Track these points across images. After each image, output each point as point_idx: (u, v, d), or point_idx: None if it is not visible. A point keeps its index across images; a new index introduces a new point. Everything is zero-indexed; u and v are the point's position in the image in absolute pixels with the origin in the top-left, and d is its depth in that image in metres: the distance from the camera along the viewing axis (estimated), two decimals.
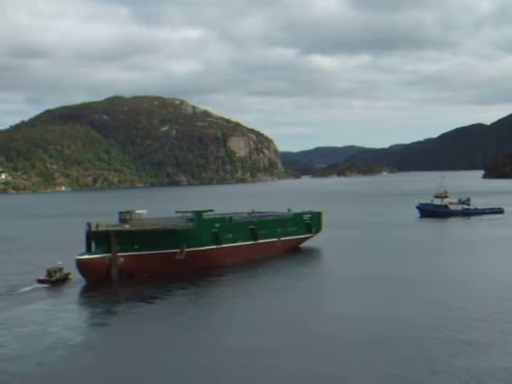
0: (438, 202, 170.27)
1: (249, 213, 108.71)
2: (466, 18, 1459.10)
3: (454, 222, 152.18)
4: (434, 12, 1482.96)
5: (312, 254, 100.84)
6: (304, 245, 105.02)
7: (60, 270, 76.99)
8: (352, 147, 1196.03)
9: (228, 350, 46.47)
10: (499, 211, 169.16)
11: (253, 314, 58.64)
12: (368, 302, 61.65)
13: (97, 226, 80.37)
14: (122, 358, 45.93)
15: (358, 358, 43.06)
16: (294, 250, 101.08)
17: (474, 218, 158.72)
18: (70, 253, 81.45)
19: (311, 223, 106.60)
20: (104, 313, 61.77)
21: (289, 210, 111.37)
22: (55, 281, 75.37)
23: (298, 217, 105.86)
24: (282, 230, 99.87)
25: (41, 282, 74.78)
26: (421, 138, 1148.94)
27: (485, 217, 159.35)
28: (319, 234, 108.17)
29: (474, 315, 54.06)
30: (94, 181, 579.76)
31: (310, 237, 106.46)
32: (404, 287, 68.31)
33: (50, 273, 75.99)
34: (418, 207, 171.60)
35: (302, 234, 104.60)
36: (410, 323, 52.03)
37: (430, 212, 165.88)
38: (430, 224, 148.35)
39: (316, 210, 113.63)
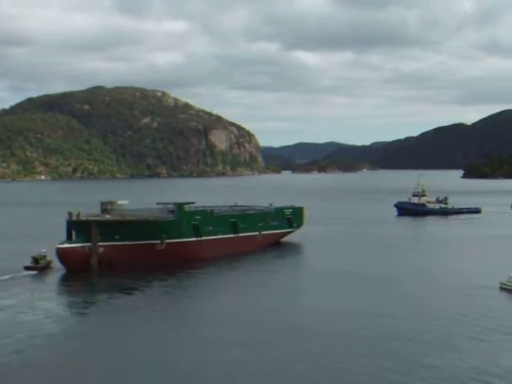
0: (415, 200, 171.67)
1: (231, 206, 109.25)
2: (448, 18, 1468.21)
3: (430, 221, 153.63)
4: (417, 11, 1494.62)
5: (292, 248, 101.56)
6: (285, 239, 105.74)
7: (44, 257, 77.66)
8: (333, 144, 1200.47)
9: (203, 341, 46.76)
10: (476, 211, 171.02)
11: (230, 307, 59.02)
12: (344, 296, 62.56)
13: (78, 215, 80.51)
14: (99, 348, 46.18)
15: (339, 352, 43.83)
16: (275, 245, 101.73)
17: (451, 217, 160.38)
18: (51, 241, 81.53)
19: (292, 218, 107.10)
20: (83, 302, 62.07)
21: (270, 205, 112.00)
22: (41, 267, 75.94)
23: (279, 211, 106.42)
24: (263, 224, 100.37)
25: (27, 268, 75.22)
26: (401, 136, 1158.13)
27: (462, 216, 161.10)
28: (300, 229, 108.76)
29: (449, 311, 55.12)
30: (74, 170, 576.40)
31: (292, 231, 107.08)
32: (378, 283, 69.19)
33: (36, 259, 76.68)
34: (395, 205, 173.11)
35: (283, 228, 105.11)
36: (384, 318, 52.86)
37: (407, 210, 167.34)
38: (407, 222, 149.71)
39: (298, 205, 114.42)
